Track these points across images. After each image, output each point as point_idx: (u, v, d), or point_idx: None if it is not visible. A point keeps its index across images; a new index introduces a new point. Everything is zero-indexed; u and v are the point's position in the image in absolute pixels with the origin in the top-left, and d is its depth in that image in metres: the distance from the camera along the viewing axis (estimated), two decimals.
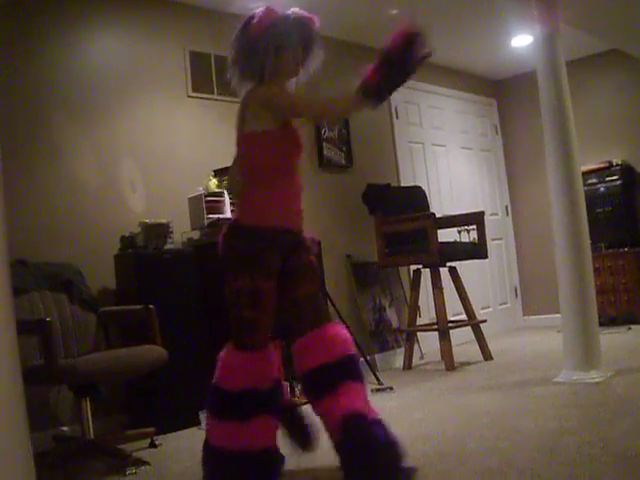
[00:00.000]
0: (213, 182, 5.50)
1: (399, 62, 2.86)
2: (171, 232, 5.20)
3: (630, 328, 7.73)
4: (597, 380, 4.96)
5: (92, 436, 4.18)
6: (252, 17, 3.26)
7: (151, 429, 4.50)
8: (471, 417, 4.38)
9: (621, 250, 8.18)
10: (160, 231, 5.12)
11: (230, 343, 3.27)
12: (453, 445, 3.73)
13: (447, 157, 8.73)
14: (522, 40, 7.86)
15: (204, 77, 6.14)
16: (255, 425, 3.19)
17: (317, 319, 3.24)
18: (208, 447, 3.27)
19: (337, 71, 5.97)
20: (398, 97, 7.81)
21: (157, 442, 4.49)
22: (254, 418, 3.19)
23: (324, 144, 7.03)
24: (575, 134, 5.36)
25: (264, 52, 3.20)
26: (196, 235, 5.55)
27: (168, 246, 5.16)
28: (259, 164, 3.26)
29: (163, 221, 5.18)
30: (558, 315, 5.39)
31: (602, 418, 3.95)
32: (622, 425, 3.72)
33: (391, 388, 5.63)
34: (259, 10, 3.25)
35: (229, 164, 5.55)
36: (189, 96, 6.03)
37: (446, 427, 4.18)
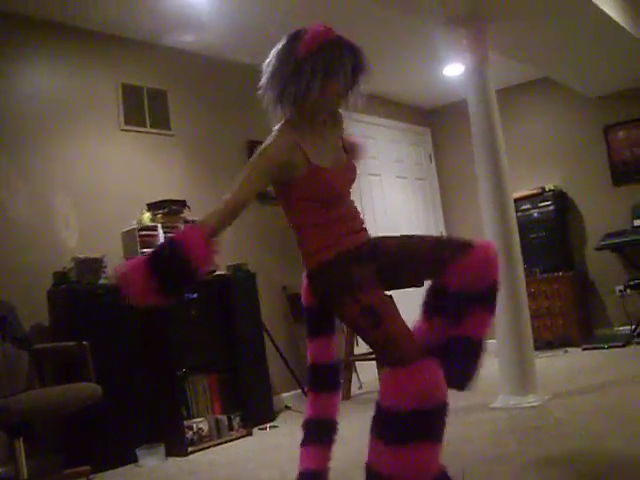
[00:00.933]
0: (146, 216, 5.46)
1: None
2: (105, 267, 5.15)
3: (567, 351, 7.82)
4: (534, 404, 5.00)
5: (26, 477, 4.08)
6: (302, 32, 2.89)
7: (87, 467, 4.42)
8: None
9: (556, 274, 8.30)
10: (93, 266, 5.07)
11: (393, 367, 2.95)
12: None
13: (382, 186, 8.79)
14: (454, 69, 7.87)
15: (136, 110, 6.10)
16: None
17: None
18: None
19: None
20: None
21: None
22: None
23: None
24: (507, 161, 5.44)
25: (311, 75, 2.82)
26: None
27: (102, 281, 5.10)
28: (300, 213, 3.15)
29: (96, 256, 5.13)
30: (494, 340, 5.43)
31: (539, 442, 3.99)
32: (559, 448, 3.75)
33: None
34: (313, 26, 2.90)
35: (162, 197, 5.57)
36: (122, 129, 5.98)
37: None
